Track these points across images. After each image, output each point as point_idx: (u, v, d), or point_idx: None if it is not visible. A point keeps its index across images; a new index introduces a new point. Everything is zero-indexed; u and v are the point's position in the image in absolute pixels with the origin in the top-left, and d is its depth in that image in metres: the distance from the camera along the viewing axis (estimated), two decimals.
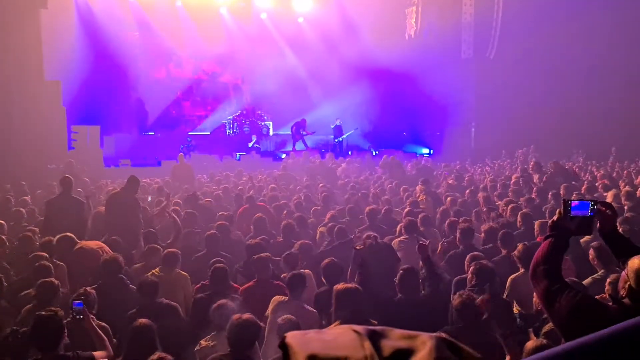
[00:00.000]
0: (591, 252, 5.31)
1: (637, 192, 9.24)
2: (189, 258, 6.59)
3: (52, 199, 8.41)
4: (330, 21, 23.71)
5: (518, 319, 4.89)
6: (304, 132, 22.28)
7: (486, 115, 21.99)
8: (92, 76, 19.94)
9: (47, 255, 6.00)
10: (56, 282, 5.08)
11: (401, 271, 4.96)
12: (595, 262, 5.25)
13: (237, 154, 20.76)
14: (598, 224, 2.65)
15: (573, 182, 10.89)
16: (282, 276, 5.77)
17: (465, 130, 22.87)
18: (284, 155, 20.73)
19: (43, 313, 3.95)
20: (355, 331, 0.88)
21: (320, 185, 12.07)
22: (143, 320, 4.18)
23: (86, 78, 19.64)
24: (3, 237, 7.37)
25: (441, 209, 9.19)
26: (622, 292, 2.39)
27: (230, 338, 3.86)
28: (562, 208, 2.53)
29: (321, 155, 19.55)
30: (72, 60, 19.36)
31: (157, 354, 3.57)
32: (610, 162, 16.43)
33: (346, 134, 22.40)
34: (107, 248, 6.48)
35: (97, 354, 4.06)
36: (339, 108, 23.05)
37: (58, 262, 6.16)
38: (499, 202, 9.13)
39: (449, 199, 9.79)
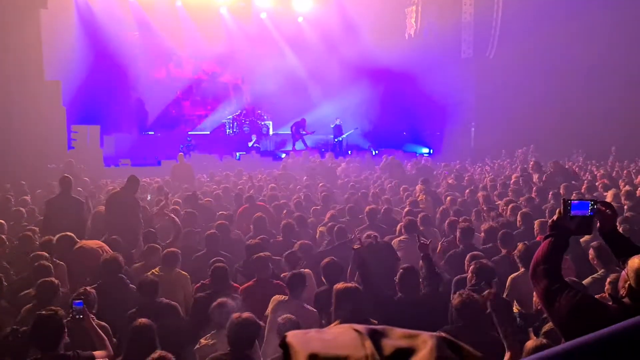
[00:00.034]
0: (591, 251, 5.31)
1: (637, 192, 9.25)
2: (188, 257, 6.59)
3: (52, 199, 8.41)
4: (330, 21, 23.70)
5: (518, 319, 4.89)
6: (304, 132, 22.28)
7: (486, 114, 21.98)
8: (92, 76, 19.94)
9: (47, 255, 6.00)
10: (56, 281, 5.07)
11: (401, 270, 4.96)
12: (595, 262, 5.25)
13: (237, 154, 20.76)
14: (598, 224, 2.65)
15: (573, 182, 10.89)
16: (282, 275, 5.78)
17: (465, 130, 22.87)
18: (283, 155, 20.73)
19: (43, 312, 3.95)
20: (356, 330, 0.88)
21: (320, 184, 12.07)
22: (143, 320, 4.18)
23: (86, 78, 19.64)
24: (3, 236, 7.38)
25: (441, 208, 9.19)
26: (622, 292, 2.40)
27: (230, 337, 3.86)
28: (562, 208, 2.53)
29: (321, 154, 19.55)
30: (72, 60, 19.36)
31: (158, 353, 3.57)
32: (610, 162, 16.42)
33: (346, 134, 22.40)
34: (107, 247, 6.48)
35: (97, 353, 4.06)
36: (338, 107, 23.04)
37: (58, 261, 6.16)
38: (499, 202, 9.13)
39: (448, 198, 9.79)
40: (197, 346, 4.43)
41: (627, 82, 19.04)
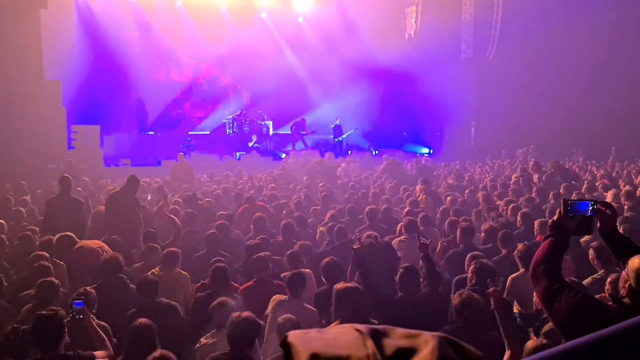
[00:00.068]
0: (591, 252, 5.31)
1: (637, 192, 9.25)
2: (189, 257, 6.59)
3: (51, 199, 8.41)
4: (330, 21, 23.69)
5: (518, 319, 4.89)
6: (304, 132, 22.29)
7: (486, 114, 21.98)
8: (92, 76, 19.95)
9: (47, 255, 5.99)
10: (56, 281, 5.07)
11: (401, 270, 4.97)
12: (595, 262, 5.26)
13: (237, 154, 20.76)
14: (598, 224, 2.65)
15: (573, 182, 10.89)
16: (282, 275, 5.78)
17: (465, 130, 22.87)
18: (283, 155, 20.73)
19: (44, 312, 3.95)
20: (357, 330, 0.88)
21: (320, 184, 12.07)
22: (143, 320, 4.18)
23: (86, 78, 19.65)
24: (3, 236, 7.38)
25: (441, 208, 9.19)
26: (622, 292, 2.40)
27: (230, 336, 3.86)
28: (562, 208, 2.54)
29: (321, 154, 19.54)
30: (72, 60, 19.36)
31: (159, 352, 3.57)
32: (610, 162, 16.43)
33: (346, 134, 22.41)
34: (107, 247, 6.48)
35: (97, 353, 4.06)
36: (338, 107, 23.04)
37: (58, 261, 6.16)
38: (499, 202, 9.13)
39: (448, 198, 9.79)
40: (197, 345, 4.43)
41: (627, 82, 19.05)
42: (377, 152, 21.86)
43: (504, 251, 6.05)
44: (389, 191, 11.60)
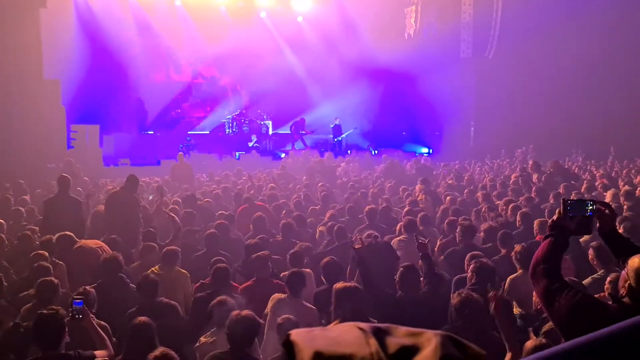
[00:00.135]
0: (590, 251, 5.32)
1: (637, 192, 9.26)
2: (188, 257, 6.59)
3: (50, 199, 8.40)
4: (330, 20, 23.67)
5: (518, 319, 4.90)
6: (303, 132, 22.29)
7: (485, 114, 21.99)
8: (91, 75, 19.91)
9: (46, 255, 5.99)
10: (56, 281, 5.07)
11: (401, 269, 4.98)
12: (594, 262, 5.26)
13: (237, 153, 20.75)
14: (597, 224, 2.65)
15: (572, 182, 10.90)
16: (281, 275, 5.78)
17: (464, 130, 22.87)
18: (283, 155, 20.73)
19: (44, 312, 3.95)
20: (360, 328, 0.88)
21: (320, 184, 12.07)
22: (142, 318, 4.18)
23: (85, 77, 19.61)
24: (2, 235, 7.38)
25: (441, 208, 9.19)
26: (622, 291, 2.40)
27: (230, 335, 3.86)
28: (561, 208, 2.54)
29: (320, 154, 19.54)
30: (72, 59, 19.33)
31: (160, 350, 3.57)
32: (609, 162, 16.43)
33: (345, 133, 22.40)
34: (106, 247, 6.48)
35: (98, 353, 4.06)
36: (338, 107, 23.04)
37: (57, 261, 6.16)
38: (498, 202, 9.13)
39: (448, 198, 9.79)
40: (197, 344, 4.43)
41: (627, 82, 19.07)
42: (376, 151, 21.85)
43: (503, 251, 6.05)
44: (389, 191, 11.60)
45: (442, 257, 6.46)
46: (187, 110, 24.21)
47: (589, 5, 18.70)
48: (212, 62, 23.91)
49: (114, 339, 4.64)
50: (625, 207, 8.03)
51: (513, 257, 5.45)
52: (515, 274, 5.37)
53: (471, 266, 4.86)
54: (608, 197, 8.90)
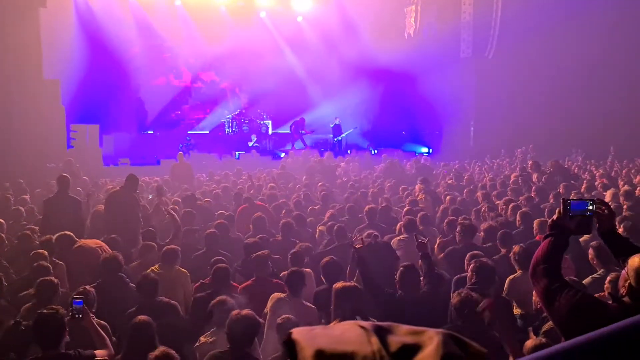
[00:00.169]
0: (590, 251, 5.32)
1: (636, 191, 9.26)
2: (188, 256, 6.59)
3: (50, 198, 8.39)
4: (330, 20, 23.69)
5: (518, 320, 4.91)
6: (303, 131, 22.30)
7: (485, 114, 21.99)
8: (91, 75, 19.92)
9: (46, 254, 5.99)
10: (55, 280, 5.07)
11: (401, 268, 4.98)
12: (594, 262, 5.26)
13: (236, 153, 20.76)
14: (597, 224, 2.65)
15: (572, 182, 10.90)
16: (281, 274, 5.78)
17: (464, 129, 22.88)
18: (283, 154, 20.74)
19: (44, 311, 3.95)
20: (362, 327, 0.88)
21: (320, 184, 12.07)
22: (142, 317, 4.18)
23: (85, 77, 19.62)
24: (2, 235, 7.38)
25: (441, 207, 9.20)
26: (622, 291, 2.40)
27: (230, 334, 3.86)
28: (561, 207, 2.54)
29: (320, 154, 19.55)
30: (71, 59, 19.35)
31: (160, 349, 3.57)
32: (609, 162, 16.45)
33: (345, 133, 22.41)
34: (106, 247, 6.47)
35: (98, 352, 4.06)
36: (338, 107, 23.05)
37: (57, 261, 6.16)
38: (498, 202, 9.13)
39: (448, 197, 9.79)
40: (197, 344, 4.43)
41: (627, 82, 19.07)
42: (376, 151, 21.86)
43: (503, 250, 6.05)
44: (388, 190, 11.60)
45: (442, 254, 6.46)
46: (186, 112, 24.23)
47: (589, 5, 18.71)
48: (212, 62, 23.89)
49: (114, 338, 4.64)
50: (625, 206, 8.04)
51: (512, 258, 5.45)
52: (515, 274, 5.37)
53: (471, 266, 4.87)
54: (608, 196, 8.90)
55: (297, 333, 0.89)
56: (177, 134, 22.06)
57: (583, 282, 4.83)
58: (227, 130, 22.84)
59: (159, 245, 6.59)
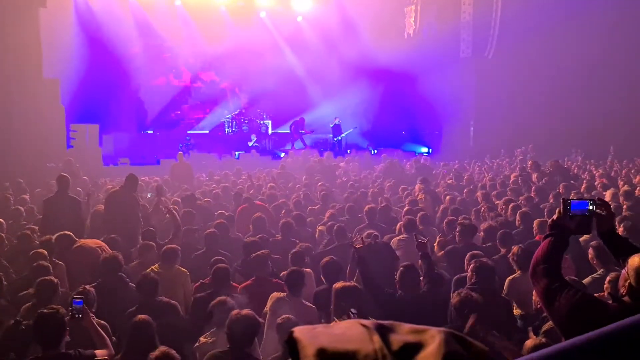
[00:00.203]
0: (590, 251, 5.32)
1: (636, 191, 9.27)
2: (188, 256, 6.59)
3: (49, 198, 8.39)
4: (330, 20, 23.69)
5: (518, 319, 4.91)
6: (303, 131, 22.30)
7: (485, 114, 22.00)
8: (90, 74, 19.91)
9: (45, 254, 5.99)
10: (55, 280, 5.07)
11: (401, 268, 4.98)
12: (594, 262, 5.26)
13: (236, 153, 20.76)
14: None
15: (572, 181, 10.90)
16: (281, 274, 5.78)
17: (464, 129, 22.88)
18: (282, 154, 20.74)
19: (45, 311, 3.95)
20: (364, 325, 0.88)
21: (319, 183, 12.07)
22: (142, 316, 4.18)
23: (85, 76, 19.61)
24: (2, 234, 7.38)
25: (441, 207, 9.20)
26: (622, 290, 2.40)
27: (230, 334, 3.86)
28: (561, 207, 2.54)
29: (320, 154, 19.55)
30: (71, 58, 19.33)
31: (161, 349, 3.57)
32: (608, 161, 16.45)
33: (345, 133, 22.42)
34: (106, 246, 6.47)
35: (98, 352, 4.06)
36: (337, 107, 23.05)
37: (57, 261, 6.16)
38: (498, 202, 9.14)
39: (447, 197, 9.79)
40: (197, 344, 4.43)
41: (627, 82, 19.07)
42: (376, 151, 21.87)
43: (503, 250, 6.05)
44: (388, 190, 11.60)
45: (442, 252, 6.47)
46: (186, 112, 24.22)
47: (589, 5, 18.71)
48: (212, 62, 23.90)
49: (114, 338, 4.64)
50: (624, 206, 8.04)
51: (510, 259, 5.45)
52: (515, 274, 5.37)
53: (471, 266, 4.87)
54: (607, 196, 8.90)
55: (299, 332, 0.89)
56: (177, 134, 22.06)
57: (583, 281, 4.84)
58: (226, 130, 22.84)
59: (159, 245, 6.59)
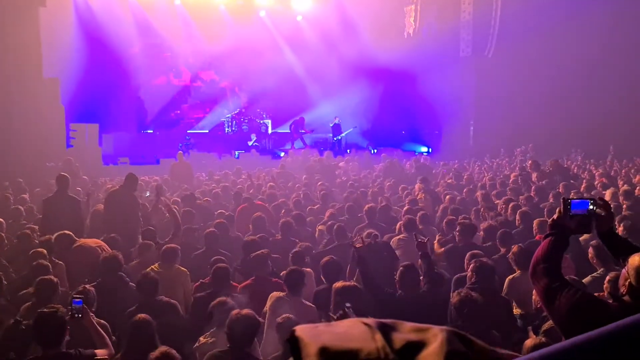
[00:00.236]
0: (590, 250, 5.32)
1: (636, 191, 9.27)
2: (188, 255, 6.58)
3: (49, 198, 8.39)
4: (329, 19, 23.68)
5: (518, 319, 4.91)
6: (303, 131, 22.29)
7: (485, 113, 21.99)
8: (90, 74, 19.89)
9: (45, 253, 5.99)
10: (55, 279, 5.07)
11: (401, 268, 4.98)
12: (594, 261, 5.27)
13: (236, 152, 20.75)
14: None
15: (572, 181, 10.91)
16: (281, 274, 5.77)
17: (463, 129, 22.87)
18: (282, 154, 20.74)
19: (45, 310, 3.94)
20: (366, 324, 0.88)
21: (319, 183, 12.07)
22: (142, 316, 4.17)
23: (85, 76, 19.60)
24: (2, 234, 7.38)
25: (441, 207, 9.20)
26: (623, 290, 2.40)
27: (229, 333, 3.85)
28: (561, 207, 2.54)
29: (320, 153, 19.54)
30: (71, 58, 19.32)
31: (161, 348, 3.57)
32: (608, 161, 16.45)
33: (345, 133, 22.41)
34: (106, 246, 6.47)
35: (98, 351, 4.06)
36: (337, 106, 23.04)
37: (57, 260, 6.16)
38: (497, 201, 9.14)
39: (447, 197, 9.79)
40: (197, 344, 4.42)
41: (626, 82, 19.06)
42: (375, 150, 21.86)
43: (502, 250, 6.05)
44: (388, 190, 11.60)
45: (442, 249, 6.47)
46: (186, 112, 24.21)
47: (589, 5, 18.70)
48: (212, 61, 23.89)
49: (114, 337, 4.64)
50: (624, 206, 8.04)
51: (510, 258, 5.45)
52: (515, 274, 5.37)
53: (471, 265, 4.87)
54: (607, 196, 8.89)
55: (301, 330, 0.89)
56: (177, 133, 22.05)
57: (583, 281, 4.84)
58: (226, 129, 22.83)
59: (159, 245, 6.58)
